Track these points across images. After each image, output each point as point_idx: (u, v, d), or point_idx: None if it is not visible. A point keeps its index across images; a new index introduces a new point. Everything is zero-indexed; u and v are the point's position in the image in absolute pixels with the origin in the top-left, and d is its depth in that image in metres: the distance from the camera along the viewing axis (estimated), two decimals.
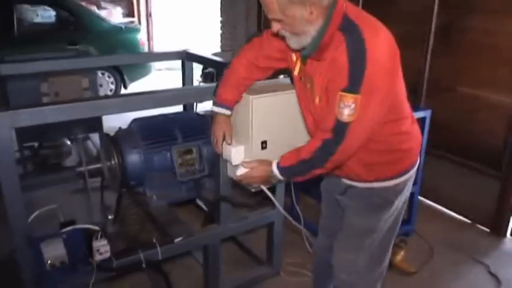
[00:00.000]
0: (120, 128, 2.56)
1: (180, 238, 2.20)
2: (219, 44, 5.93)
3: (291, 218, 2.08)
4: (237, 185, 2.11)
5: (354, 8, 1.57)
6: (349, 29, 1.49)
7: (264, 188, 1.94)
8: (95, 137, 4.54)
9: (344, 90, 1.47)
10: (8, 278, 2.53)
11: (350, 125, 1.50)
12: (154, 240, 2.16)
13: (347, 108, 1.47)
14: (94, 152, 4.46)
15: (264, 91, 1.97)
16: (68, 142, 4.22)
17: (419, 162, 1.83)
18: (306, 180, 1.73)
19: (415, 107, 3.08)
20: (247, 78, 1.92)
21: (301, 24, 1.50)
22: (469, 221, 3.50)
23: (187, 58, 3.11)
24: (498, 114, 3.16)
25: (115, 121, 4.88)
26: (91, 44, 5.87)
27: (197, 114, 2.74)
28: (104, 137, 2.46)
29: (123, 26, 6.30)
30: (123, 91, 6.55)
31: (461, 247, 3.16)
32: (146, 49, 6.48)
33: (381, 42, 1.48)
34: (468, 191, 3.45)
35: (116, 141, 2.38)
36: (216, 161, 2.21)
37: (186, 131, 2.52)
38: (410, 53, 3.56)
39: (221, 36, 5.87)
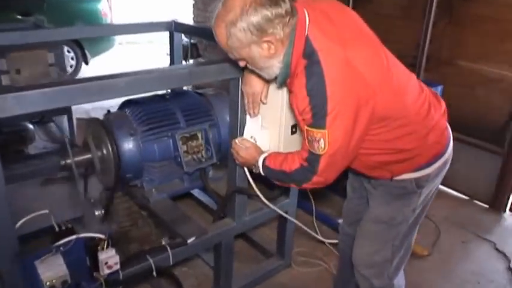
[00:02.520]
0: (108, 111, 2.20)
1: (193, 238, 1.92)
2: (192, 15, 5.49)
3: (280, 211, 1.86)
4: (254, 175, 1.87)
5: (320, 25, 1.36)
6: (309, 56, 1.34)
7: (247, 171, 1.86)
8: (60, 119, 4.12)
9: (310, 126, 1.37)
10: None
11: (322, 157, 1.40)
12: (163, 243, 1.87)
13: (316, 143, 1.38)
14: (61, 137, 4.04)
15: None
16: (30, 126, 3.75)
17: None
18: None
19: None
20: None
21: (263, 61, 1.40)
22: (466, 198, 3.43)
23: (176, 29, 2.75)
24: (500, 89, 3.06)
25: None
26: (46, 15, 5.27)
27: (197, 93, 2.41)
28: (93, 122, 2.10)
29: None
30: (84, 67, 6.02)
31: (464, 224, 3.09)
32: (109, 21, 5.92)
33: (342, 74, 1.32)
34: (466, 168, 3.36)
35: (107, 127, 2.03)
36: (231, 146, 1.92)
37: (188, 114, 2.20)
38: (411, 25, 3.39)
39: (193, 6, 5.43)
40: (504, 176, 3.17)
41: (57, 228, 1.54)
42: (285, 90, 1.66)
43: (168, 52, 5.10)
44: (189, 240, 1.90)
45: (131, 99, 2.23)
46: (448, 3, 3.19)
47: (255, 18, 1.27)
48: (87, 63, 5.99)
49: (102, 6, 5.90)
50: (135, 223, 2.32)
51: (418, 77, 3.38)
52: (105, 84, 1.40)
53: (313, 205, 2.54)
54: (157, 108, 2.16)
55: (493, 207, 3.28)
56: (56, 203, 2.73)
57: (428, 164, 1.58)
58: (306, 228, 2.02)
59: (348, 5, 3.82)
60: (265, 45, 1.34)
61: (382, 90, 1.37)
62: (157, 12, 10.20)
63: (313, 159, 1.42)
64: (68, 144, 2.05)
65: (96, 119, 2.10)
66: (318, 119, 1.33)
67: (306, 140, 1.41)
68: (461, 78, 3.22)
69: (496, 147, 3.15)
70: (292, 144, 1.77)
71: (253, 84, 1.67)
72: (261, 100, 1.70)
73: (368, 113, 1.36)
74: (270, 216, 2.28)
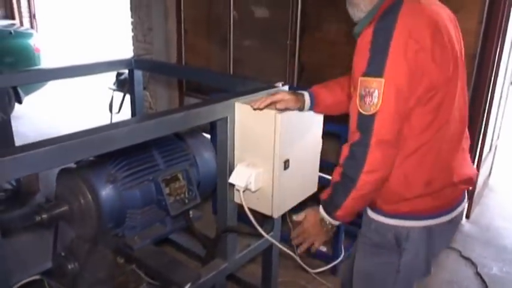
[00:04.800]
0: None
1: (189, 285, 1.83)
2: (132, 48, 5.38)
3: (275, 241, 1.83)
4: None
5: None
6: (392, 6, 1.29)
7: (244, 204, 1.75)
8: None
9: (364, 74, 1.25)
10: None
11: (376, 115, 1.24)
12: None
13: (368, 97, 1.24)
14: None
15: None
16: None
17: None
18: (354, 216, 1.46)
19: None
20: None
21: None
22: None
23: (136, 66, 2.67)
24: None
25: None
26: None
27: None
28: (65, 171, 1.96)
29: (11, 30, 5.38)
30: (17, 107, 5.66)
31: None
32: (42, 57, 5.62)
33: (415, 24, 1.25)
34: None
35: (84, 176, 1.91)
36: (221, 187, 1.88)
37: (166, 154, 2.13)
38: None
39: (133, 39, 5.33)
40: None
41: None
42: (279, 125, 1.65)
43: (111, 86, 5.02)
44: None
45: None
46: None
47: None
48: (20, 102, 5.63)
49: (34, 42, 5.61)
50: (110, 273, 2.19)
51: None
52: (105, 136, 1.31)
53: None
54: (134, 151, 2.06)
55: None
56: (20, 255, 2.51)
57: (411, 216, 1.45)
58: (299, 260, 1.99)
59: (296, 33, 3.95)
60: None
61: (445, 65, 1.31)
62: (95, 49, 9.90)
63: (365, 121, 1.26)
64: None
65: (69, 168, 1.97)
66: (376, 63, 1.23)
67: (357, 98, 1.27)
68: None
69: None
70: (286, 179, 1.76)
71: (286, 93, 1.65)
72: (276, 107, 1.61)
73: (425, 81, 1.27)
74: (257, 252, 2.24)
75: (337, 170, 1.39)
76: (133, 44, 5.38)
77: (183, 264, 1.99)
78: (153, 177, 2.01)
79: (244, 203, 1.78)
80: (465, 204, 1.57)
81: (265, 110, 1.67)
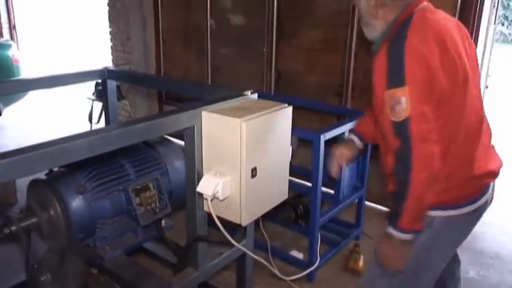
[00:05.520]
0: (50, 170, 2.07)
1: None
2: (111, 57, 5.38)
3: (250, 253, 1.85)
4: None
5: (431, 12, 1.52)
6: (403, 24, 1.45)
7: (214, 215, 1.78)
8: None
9: (388, 87, 1.39)
10: None
11: (409, 120, 1.35)
12: None
13: (398, 105, 1.35)
14: None
15: (249, 112, 1.74)
16: None
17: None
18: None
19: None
20: None
21: (367, 17, 1.58)
22: None
23: (109, 77, 2.67)
24: None
25: None
26: None
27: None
28: (35, 183, 1.96)
29: None
30: None
31: None
32: (21, 67, 5.58)
33: (423, 38, 1.41)
34: None
35: (53, 187, 1.91)
36: (190, 196, 1.89)
37: (137, 164, 2.14)
38: (335, 56, 3.61)
39: (112, 48, 5.33)
40: None
41: None
42: (245, 132, 1.66)
43: (90, 96, 5.01)
44: None
45: None
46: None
47: None
48: None
49: (12, 53, 5.57)
50: (84, 284, 2.18)
51: (345, 104, 3.60)
52: (66, 147, 1.32)
53: (268, 241, 2.54)
54: (104, 161, 2.07)
55: None
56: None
57: (436, 206, 1.53)
58: (272, 268, 2.01)
59: (272, 40, 3.99)
60: (372, 3, 1.53)
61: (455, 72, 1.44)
62: (76, 58, 9.87)
63: (401, 127, 1.37)
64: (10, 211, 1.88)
65: (39, 180, 1.96)
66: (396, 75, 1.37)
67: (388, 110, 1.39)
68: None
69: None
70: (254, 187, 1.78)
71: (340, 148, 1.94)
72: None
73: (438, 82, 1.40)
74: (230, 260, 2.25)
75: (393, 181, 1.48)
76: (112, 54, 5.39)
77: (154, 274, 1.99)
78: (123, 187, 2.01)
79: (212, 212, 1.80)
80: (491, 194, 1.66)
81: (230, 118, 1.69)
